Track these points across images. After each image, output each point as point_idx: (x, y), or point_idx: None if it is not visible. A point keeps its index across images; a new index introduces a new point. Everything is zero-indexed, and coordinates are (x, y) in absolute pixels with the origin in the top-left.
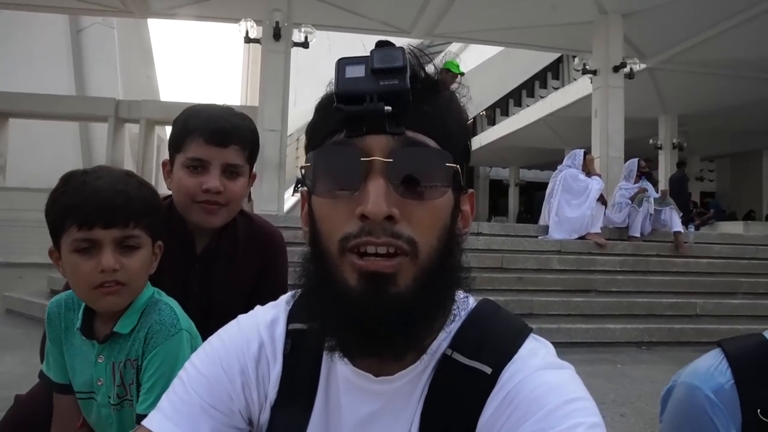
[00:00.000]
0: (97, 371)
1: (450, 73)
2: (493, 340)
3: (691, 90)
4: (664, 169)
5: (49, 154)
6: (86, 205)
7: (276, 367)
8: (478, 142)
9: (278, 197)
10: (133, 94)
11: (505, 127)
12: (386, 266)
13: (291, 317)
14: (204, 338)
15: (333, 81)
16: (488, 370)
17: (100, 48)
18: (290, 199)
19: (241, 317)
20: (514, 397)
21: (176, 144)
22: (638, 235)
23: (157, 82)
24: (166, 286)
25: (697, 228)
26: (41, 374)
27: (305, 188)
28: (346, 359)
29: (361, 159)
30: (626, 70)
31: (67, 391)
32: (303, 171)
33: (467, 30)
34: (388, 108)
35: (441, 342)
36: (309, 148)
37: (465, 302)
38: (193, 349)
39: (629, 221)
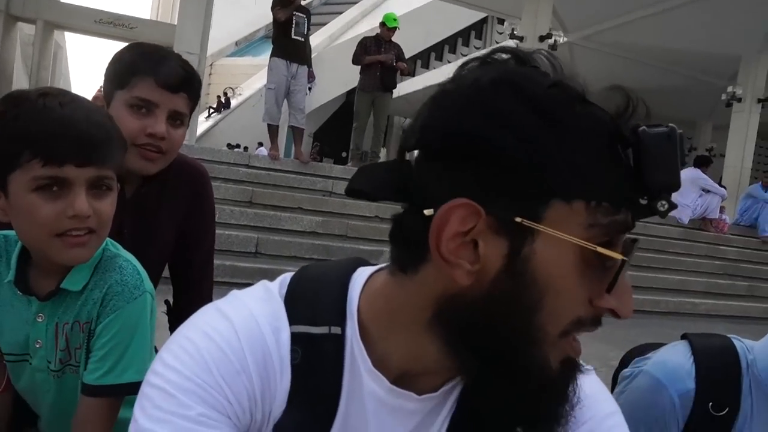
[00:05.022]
0: (35, 332)
1: (385, 27)
2: None
3: (601, 70)
4: None
5: None
6: (58, 135)
7: (284, 381)
8: (396, 92)
9: (192, 126)
10: None
11: (425, 79)
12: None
13: (291, 316)
14: None
15: (672, 158)
16: None
17: None
18: (202, 123)
19: (226, 309)
20: None
21: (120, 80)
22: None
23: None
24: None
25: None
26: None
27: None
28: (380, 374)
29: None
30: (551, 41)
31: None
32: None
33: None
34: None
35: None
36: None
37: None
38: (152, 312)
39: None
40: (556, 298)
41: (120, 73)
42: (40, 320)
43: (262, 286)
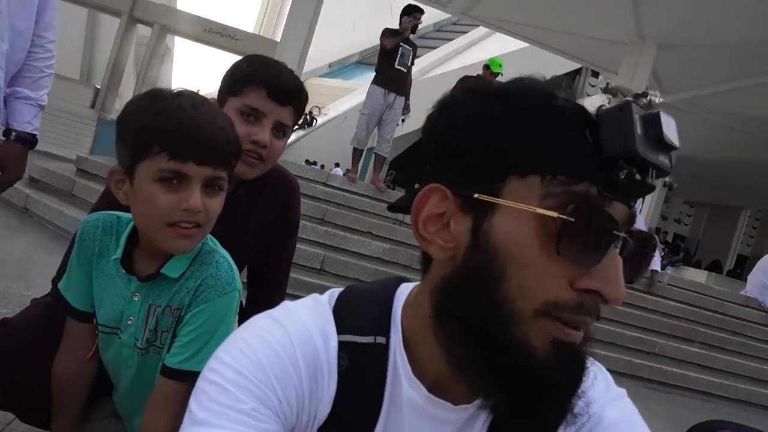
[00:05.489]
0: (129, 309)
1: (489, 70)
2: None
3: (695, 135)
4: (648, 204)
5: None
6: (186, 134)
7: (331, 386)
8: None
9: None
10: None
11: None
12: (579, 336)
13: (339, 326)
14: None
15: (625, 126)
16: None
17: None
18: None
19: (280, 317)
20: None
21: (234, 88)
22: None
23: None
24: None
25: (663, 268)
26: (56, 293)
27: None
28: (418, 382)
29: (614, 232)
30: (645, 100)
31: (83, 319)
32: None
33: (502, 19)
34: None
35: None
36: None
37: None
38: (236, 310)
39: None
40: (521, 269)
41: (235, 81)
42: (136, 299)
43: (312, 298)
